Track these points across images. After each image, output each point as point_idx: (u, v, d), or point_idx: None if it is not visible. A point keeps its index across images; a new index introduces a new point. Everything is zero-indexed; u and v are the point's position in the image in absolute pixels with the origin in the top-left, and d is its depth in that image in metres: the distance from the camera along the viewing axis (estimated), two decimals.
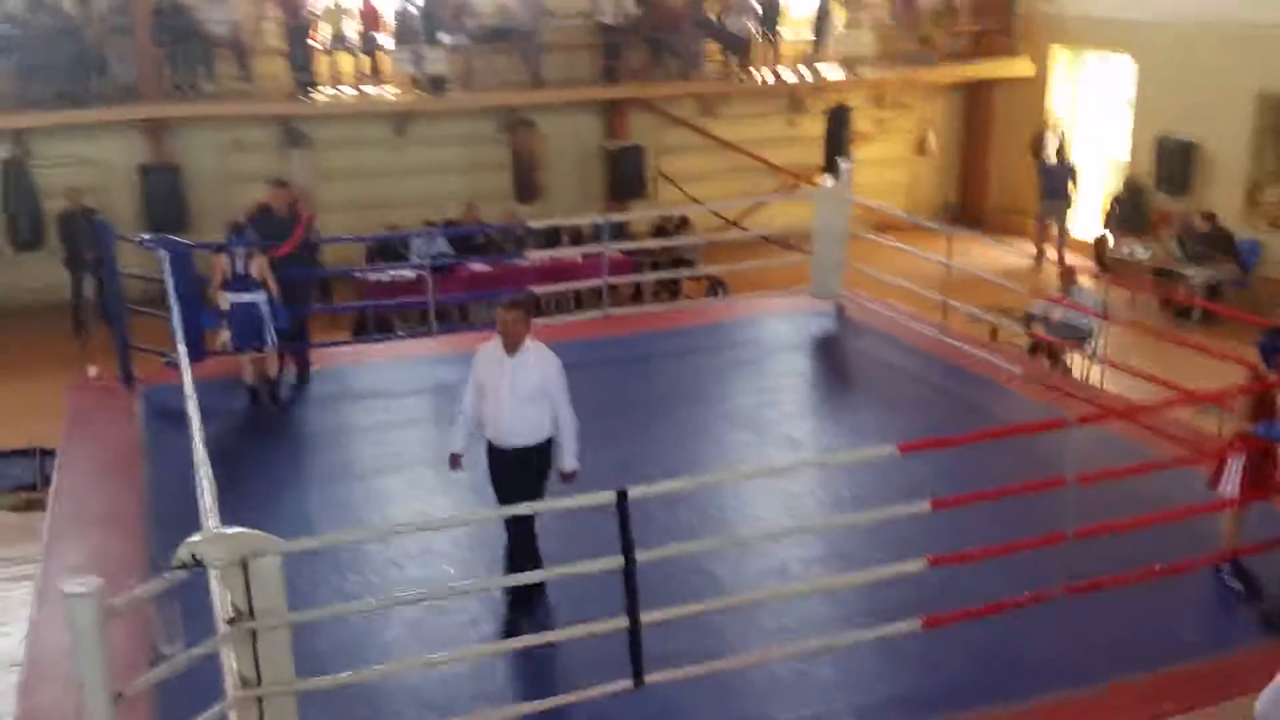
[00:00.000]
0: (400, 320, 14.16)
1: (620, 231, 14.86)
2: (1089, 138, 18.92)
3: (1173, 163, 16.71)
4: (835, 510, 7.57)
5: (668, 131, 18.86)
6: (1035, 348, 11.43)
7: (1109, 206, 17.76)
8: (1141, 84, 17.55)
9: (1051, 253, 17.19)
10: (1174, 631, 6.20)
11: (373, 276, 14.21)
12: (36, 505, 9.02)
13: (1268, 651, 5.77)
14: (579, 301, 14.46)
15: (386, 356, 10.89)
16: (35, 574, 7.06)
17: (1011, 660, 5.93)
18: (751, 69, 18.18)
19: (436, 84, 16.42)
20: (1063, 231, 17.67)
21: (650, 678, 5.13)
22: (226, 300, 9.12)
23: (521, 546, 6.16)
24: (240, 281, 9.09)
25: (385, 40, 16.68)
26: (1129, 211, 17.35)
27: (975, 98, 20.51)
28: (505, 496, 6.24)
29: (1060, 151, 17.92)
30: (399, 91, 16.79)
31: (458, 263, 14.16)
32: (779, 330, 11.46)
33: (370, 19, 16.48)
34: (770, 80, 18.28)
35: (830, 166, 16.90)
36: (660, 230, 16.26)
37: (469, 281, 14.26)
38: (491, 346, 6.20)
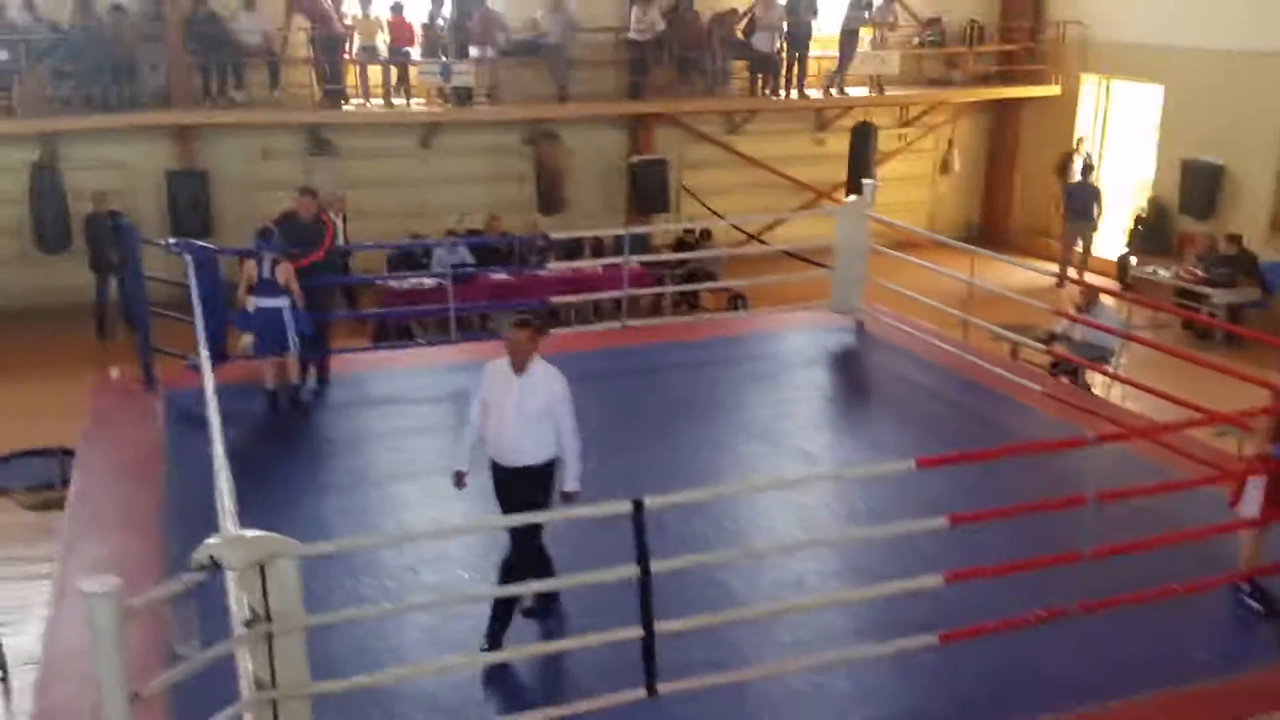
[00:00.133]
0: (420, 328, 14.22)
1: (642, 244, 14.89)
2: (1114, 159, 18.89)
3: (1198, 185, 16.67)
4: (850, 524, 7.56)
5: (692, 146, 18.93)
6: (1056, 366, 11.39)
7: (1133, 227, 17.72)
8: (1168, 107, 17.54)
9: (1074, 272, 17.14)
10: (1189, 651, 6.17)
11: (394, 284, 14.27)
12: (56, 505, 9.07)
13: None
14: (598, 312, 14.49)
15: (406, 363, 10.93)
16: (53, 573, 7.11)
17: (1026, 677, 5.91)
18: (778, 87, 18.21)
19: (463, 96, 16.51)
20: (1086, 251, 17.61)
21: (664, 688, 5.13)
22: (252, 304, 9.19)
23: (525, 562, 6.03)
24: (266, 286, 9.16)
25: (414, 52, 16.77)
26: (1152, 232, 17.32)
27: (1001, 117, 20.51)
28: (513, 508, 6.13)
29: (1086, 172, 17.87)
30: (425, 103, 16.89)
31: (479, 272, 14.21)
32: (798, 344, 11.45)
33: (400, 32, 16.58)
34: (796, 98, 18.31)
35: (854, 184, 16.94)
36: (682, 243, 16.28)
37: (490, 291, 14.30)
38: (499, 364, 6.16)
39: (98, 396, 9.78)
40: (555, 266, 13.94)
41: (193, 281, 8.95)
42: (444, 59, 16.24)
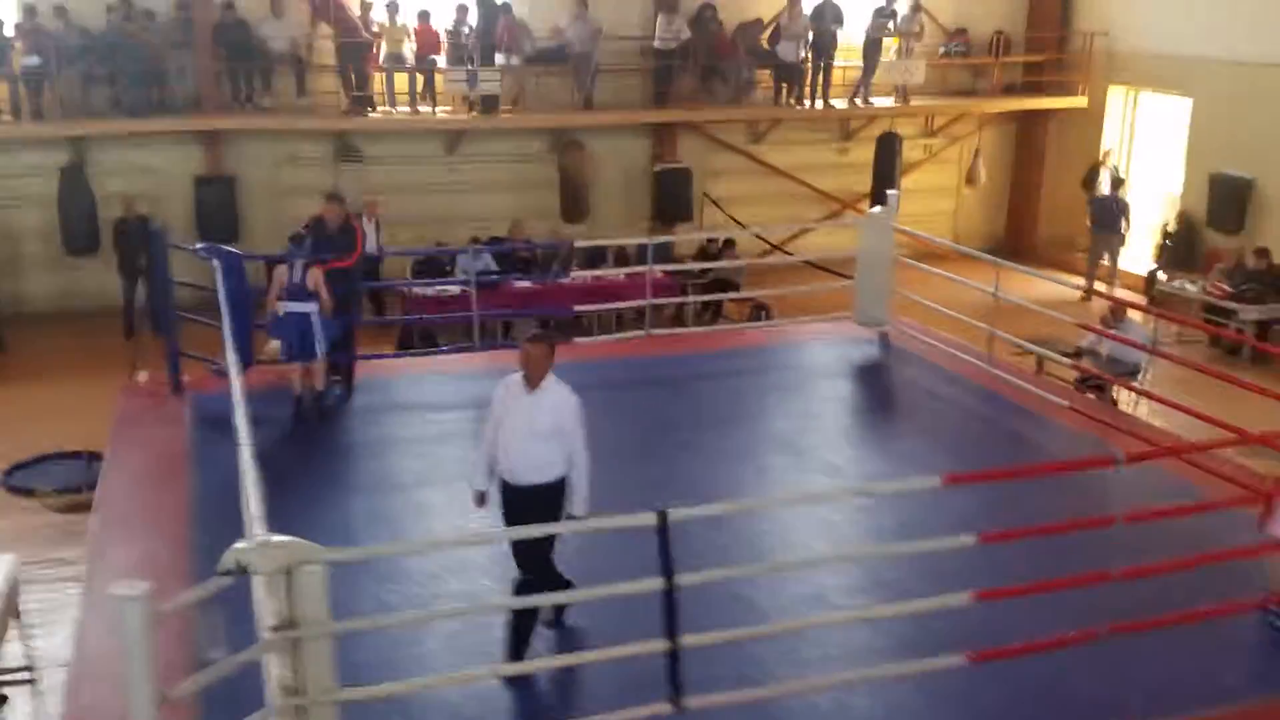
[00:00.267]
0: (444, 334, 14.26)
1: (665, 253, 14.90)
2: (1141, 172, 18.80)
3: (1226, 199, 16.56)
4: (875, 539, 7.53)
5: (716, 155, 18.93)
6: (1083, 381, 11.34)
7: (1160, 241, 17.63)
8: (1196, 119, 17.44)
9: (1100, 286, 17.05)
10: (1218, 673, 6.11)
11: (418, 290, 14.32)
12: (84, 508, 9.13)
13: None
14: (620, 321, 14.52)
15: (430, 369, 10.97)
16: (81, 575, 7.16)
17: (1053, 699, 5.87)
18: (802, 97, 18.20)
19: (488, 104, 16.56)
20: (1114, 265, 17.54)
21: (688, 702, 5.11)
22: (281, 309, 9.24)
23: (536, 585, 5.94)
24: (296, 291, 9.20)
25: (440, 60, 16.82)
26: (1180, 247, 17.22)
27: (1027, 129, 20.44)
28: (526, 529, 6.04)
29: (1116, 185, 17.78)
30: (451, 110, 16.95)
31: (502, 279, 14.25)
32: (822, 356, 11.43)
33: (427, 39, 16.65)
34: (820, 107, 18.30)
35: (878, 194, 16.91)
36: (705, 253, 16.29)
37: (513, 298, 14.34)
38: (512, 380, 6.09)
39: (125, 400, 9.85)
40: (578, 274, 13.96)
41: (220, 286, 9.00)
42: (470, 67, 16.30)
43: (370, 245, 14.20)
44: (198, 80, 15.90)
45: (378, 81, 16.74)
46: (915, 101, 18.96)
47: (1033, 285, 11.52)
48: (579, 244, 14.08)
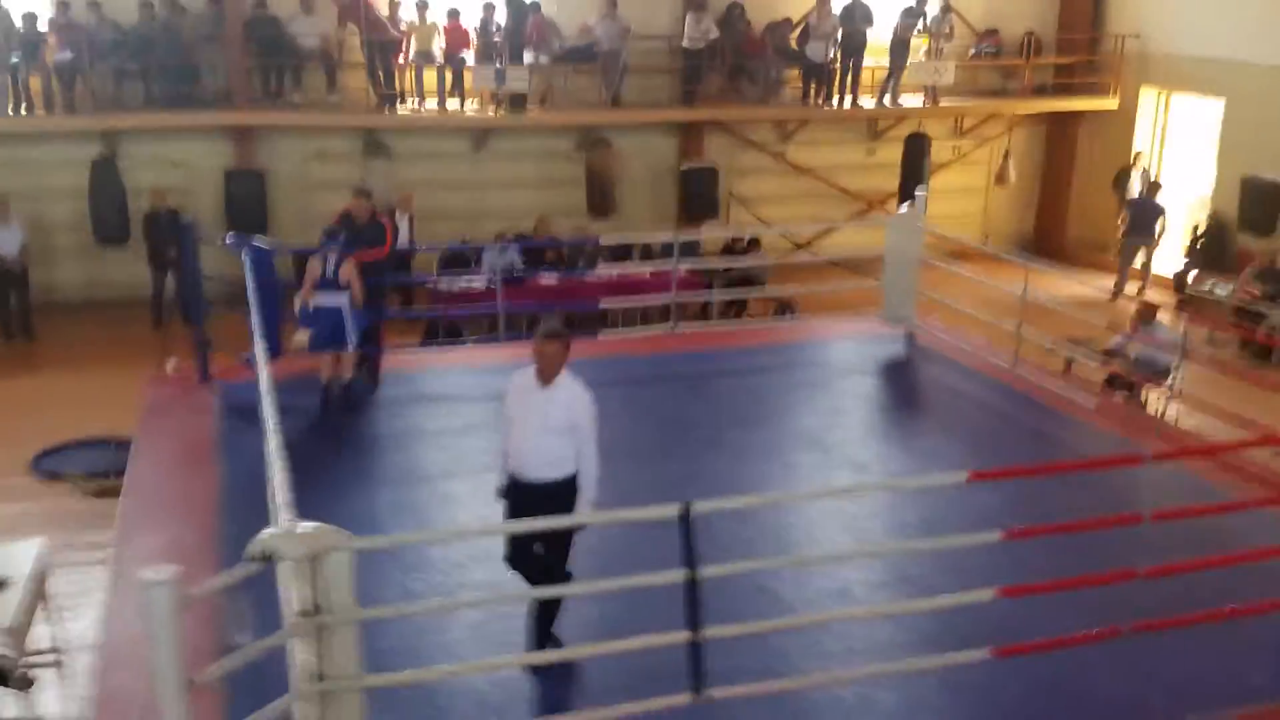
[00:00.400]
0: (469, 328, 14.31)
1: (691, 250, 14.90)
2: (1173, 173, 18.67)
3: (1258, 201, 16.42)
4: (900, 535, 7.51)
5: (743, 154, 18.92)
6: (1111, 382, 11.27)
7: (1190, 243, 17.50)
8: (1228, 121, 17.31)
9: (1130, 288, 16.94)
10: (1244, 674, 6.07)
11: (444, 285, 14.37)
12: (113, 492, 9.20)
13: None
14: (645, 317, 14.53)
15: (455, 363, 11.01)
16: (109, 560, 7.23)
17: (1077, 696, 5.84)
18: (830, 96, 18.17)
19: (516, 101, 16.60)
20: (1146, 267, 17.44)
21: (710, 694, 5.12)
22: (313, 301, 9.31)
23: (550, 579, 5.91)
24: (328, 284, 9.27)
25: (469, 57, 16.88)
26: (1211, 249, 17.09)
27: (1057, 130, 20.33)
28: (524, 537, 5.94)
29: (1152, 190, 17.66)
30: (479, 107, 17.01)
31: (528, 274, 14.29)
32: (848, 353, 11.40)
33: (456, 37, 16.71)
34: (849, 107, 18.26)
35: (906, 194, 16.85)
36: (730, 250, 16.27)
37: (538, 293, 14.37)
38: (524, 375, 6.00)
39: (154, 389, 9.94)
40: (604, 270, 13.97)
41: (249, 278, 9.06)
42: (498, 64, 16.34)
43: (403, 240, 14.30)
44: (229, 75, 16.01)
45: (407, 78, 16.82)
46: (945, 102, 18.88)
47: (1062, 286, 11.45)
48: (604, 240, 14.08)
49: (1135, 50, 18.83)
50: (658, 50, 17.94)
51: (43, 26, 15.35)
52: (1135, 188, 18.24)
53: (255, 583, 4.62)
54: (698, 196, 17.72)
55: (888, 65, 18.32)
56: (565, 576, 6.01)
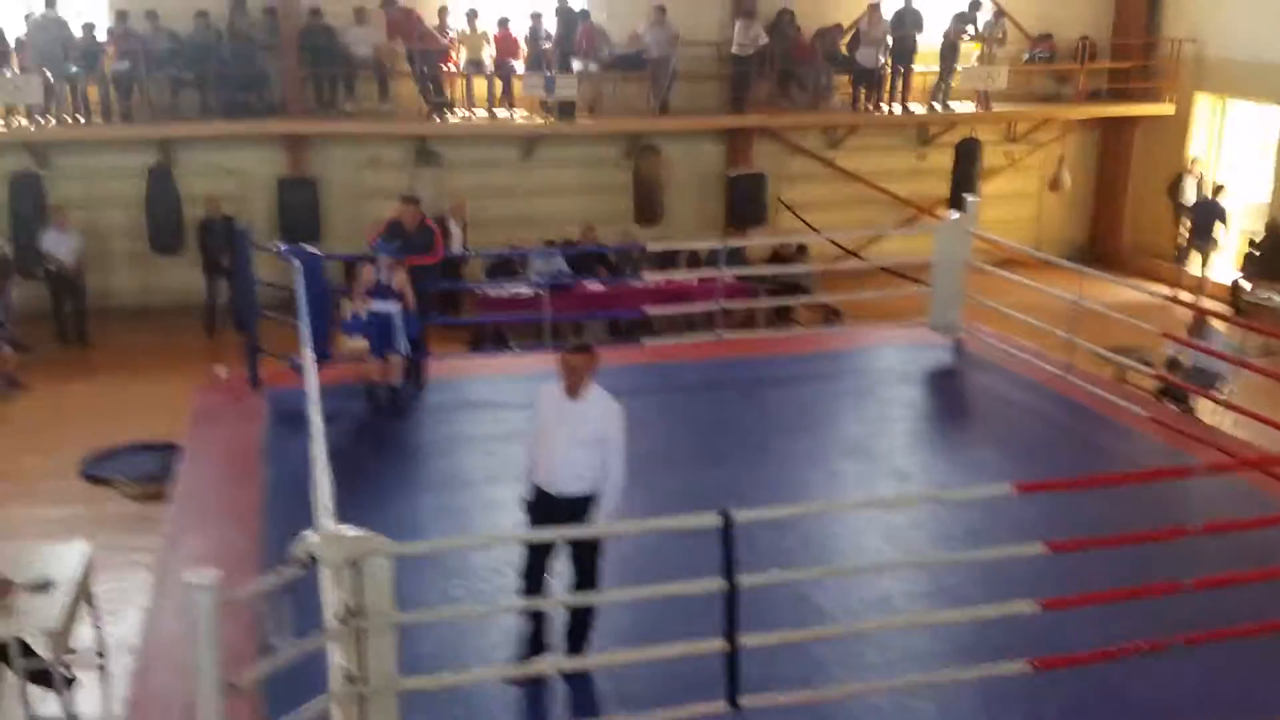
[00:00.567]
0: (516, 335, 14.37)
1: (737, 257, 14.87)
2: (1229, 181, 18.37)
3: None
4: (943, 545, 7.42)
5: (791, 160, 18.86)
6: (1164, 391, 11.09)
7: (1247, 251, 17.21)
8: None
9: (1185, 295, 16.69)
10: None
11: (492, 292, 14.46)
12: (160, 497, 9.35)
13: None
14: (691, 324, 14.51)
15: (501, 370, 11.05)
16: (154, 563, 7.33)
17: (1119, 709, 5.74)
18: (881, 102, 18.07)
19: (565, 109, 16.66)
20: (1205, 273, 17.20)
21: (746, 701, 5.09)
22: (365, 309, 9.40)
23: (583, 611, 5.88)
24: (380, 291, 9.35)
25: (518, 66, 16.98)
26: (1268, 257, 16.78)
27: (1112, 136, 20.06)
28: (547, 551, 5.84)
29: (1216, 191, 17.39)
30: (528, 115, 17.09)
31: (575, 281, 14.33)
32: (895, 361, 11.30)
33: (506, 45, 16.82)
34: (899, 113, 18.15)
35: (957, 200, 16.70)
36: (777, 257, 16.21)
37: (584, 300, 14.41)
38: (551, 387, 5.90)
39: (205, 394, 10.07)
40: (650, 277, 13.97)
41: (300, 285, 9.16)
42: (548, 73, 16.41)
43: (455, 246, 14.43)
44: (283, 85, 16.21)
45: (458, 87, 16.94)
46: (997, 108, 18.71)
47: (1116, 293, 11.27)
48: (651, 247, 14.08)
49: (1191, 55, 18.55)
50: (706, 57, 17.94)
51: (101, 36, 15.64)
52: (1190, 194, 17.98)
53: (297, 586, 4.67)
54: (745, 203, 17.68)
55: (938, 70, 18.17)
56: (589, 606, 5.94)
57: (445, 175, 16.82)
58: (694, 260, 15.53)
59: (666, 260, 15.42)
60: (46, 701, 6.81)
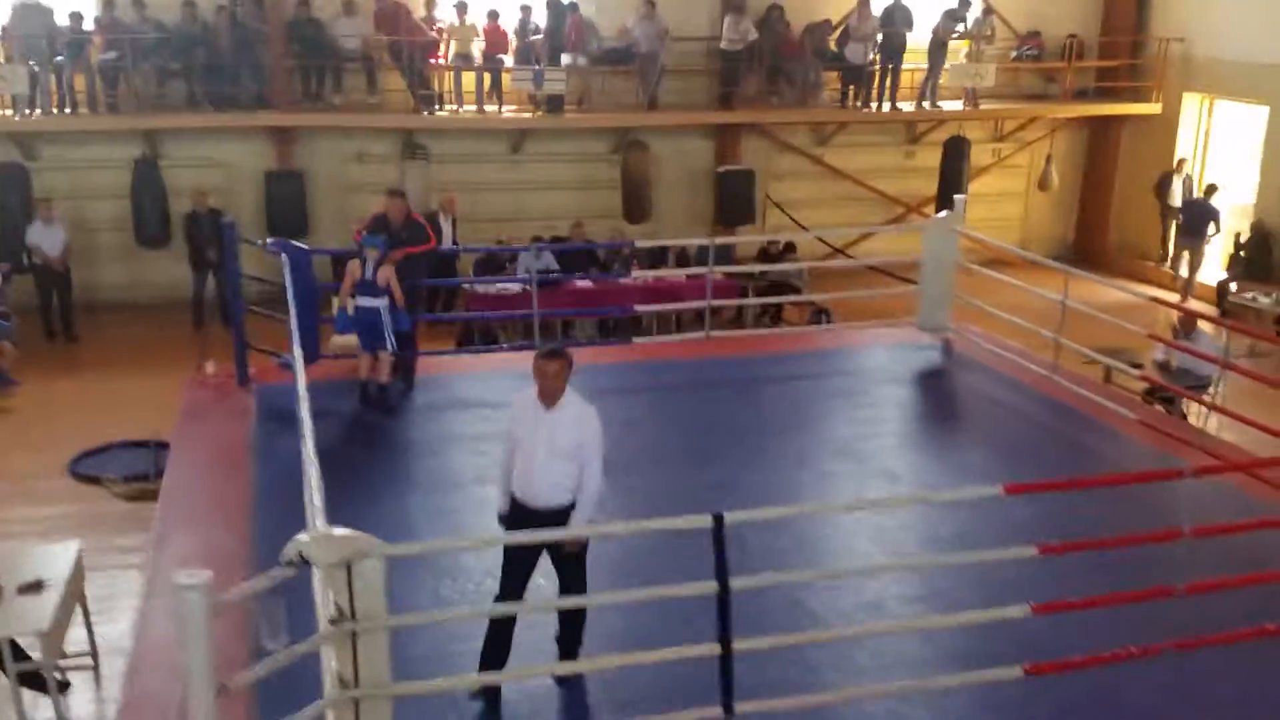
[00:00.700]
0: (505, 332, 14.36)
1: (726, 255, 14.87)
2: (1216, 180, 18.45)
3: None
4: (932, 547, 7.44)
5: (780, 157, 18.86)
6: (1151, 392, 11.14)
7: (1233, 252, 17.30)
8: (1273, 128, 17.07)
9: (1171, 296, 16.77)
10: None
11: (479, 288, 14.43)
12: (149, 496, 9.30)
13: None
14: (680, 322, 14.52)
15: (489, 367, 11.03)
16: (144, 564, 7.29)
17: (1111, 715, 5.76)
18: (869, 99, 18.07)
19: (554, 103, 16.63)
20: (1193, 273, 17.29)
21: (740, 707, 5.09)
22: (351, 305, 9.38)
23: (574, 620, 5.86)
24: (366, 287, 9.33)
25: (507, 59, 16.92)
26: (1254, 258, 16.87)
27: (1099, 135, 20.12)
28: (527, 569, 5.71)
29: (1208, 192, 17.47)
30: (517, 109, 17.04)
31: (563, 278, 14.31)
32: (883, 361, 11.33)
33: (495, 38, 16.77)
34: (887, 110, 18.16)
35: (945, 199, 16.74)
36: (766, 255, 16.23)
37: (573, 297, 14.40)
38: (526, 396, 5.74)
39: (192, 391, 10.02)
40: (639, 274, 13.97)
41: (288, 280, 9.12)
42: (537, 66, 16.37)
43: (446, 242, 14.39)
44: (270, 76, 16.12)
45: (446, 80, 16.88)
46: (985, 105, 18.74)
47: (1103, 293, 11.31)
48: (640, 244, 14.08)
49: (1179, 55, 18.61)
50: (695, 52, 17.92)
51: (88, 26, 15.52)
52: (1178, 194, 18.07)
53: (288, 587, 4.65)
54: (734, 200, 17.67)
55: (925, 68, 18.19)
56: (580, 610, 5.91)
57: (433, 169, 16.78)
58: (683, 258, 15.53)
59: (656, 257, 15.42)
60: (39, 705, 6.77)
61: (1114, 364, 10.64)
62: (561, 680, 5.92)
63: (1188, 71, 18.56)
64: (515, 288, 14.07)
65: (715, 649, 5.04)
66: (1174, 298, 16.49)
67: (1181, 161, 18.48)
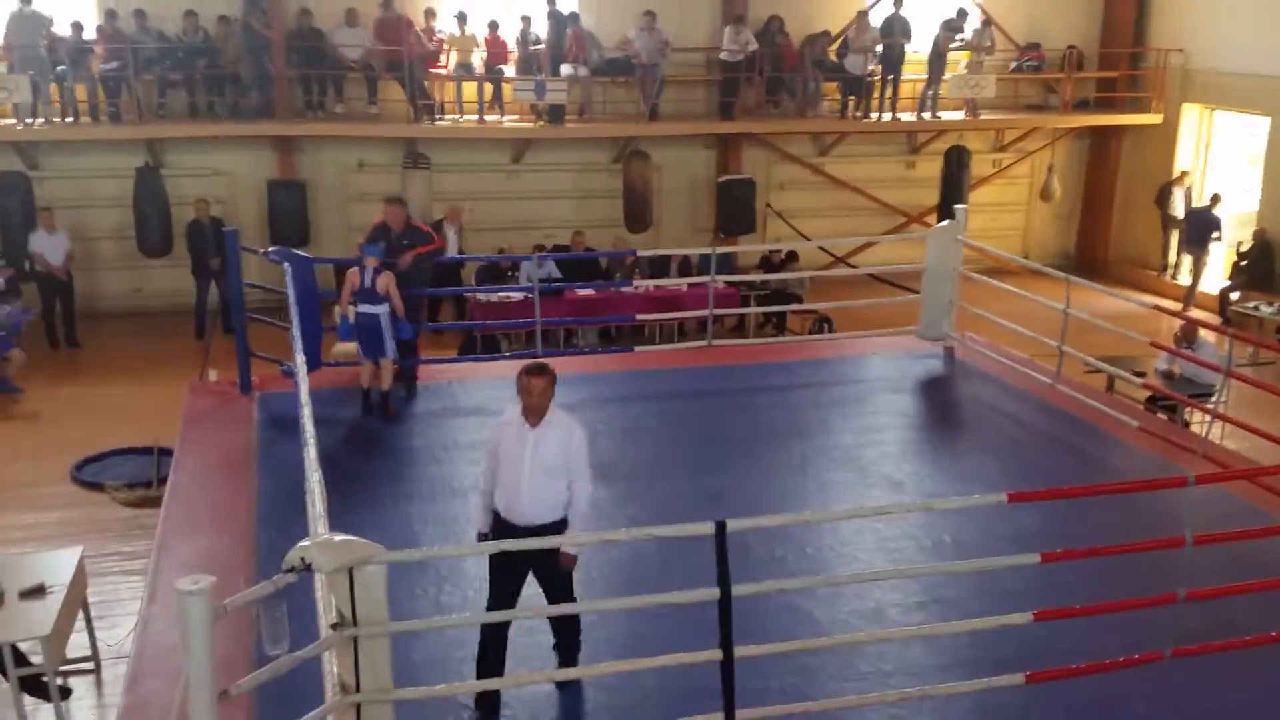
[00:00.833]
0: (506, 340, 14.38)
1: (728, 264, 14.89)
2: (1217, 190, 18.48)
3: None
4: (935, 555, 7.43)
5: (780, 167, 18.90)
6: (1153, 400, 11.14)
7: (1235, 261, 17.32)
8: (1274, 139, 17.10)
9: (1173, 305, 16.79)
10: None
11: (481, 297, 14.46)
12: (151, 502, 9.31)
13: None
14: (682, 331, 14.54)
15: (492, 375, 11.02)
16: (146, 569, 7.29)
17: None
18: (870, 109, 18.11)
19: (555, 113, 16.66)
20: (1195, 281, 17.31)
21: (742, 714, 5.08)
22: (352, 313, 9.39)
23: (569, 629, 5.86)
24: (366, 295, 9.34)
25: (508, 70, 16.97)
26: (1255, 267, 16.88)
27: (1099, 145, 20.18)
28: (515, 587, 5.66)
29: (1212, 201, 17.50)
30: (518, 119, 17.08)
31: (565, 287, 14.34)
32: (885, 369, 11.33)
33: (496, 49, 16.81)
34: (887, 120, 18.19)
35: (945, 209, 16.76)
36: (767, 264, 16.25)
37: (574, 305, 14.42)
38: (511, 418, 5.67)
39: (195, 398, 10.02)
40: (640, 284, 13.99)
41: (290, 288, 9.13)
42: (538, 76, 16.41)
43: (451, 252, 14.44)
44: (272, 86, 16.16)
45: (447, 90, 16.92)
46: (985, 116, 18.78)
47: (1104, 302, 11.31)
48: (641, 253, 14.10)
49: (1179, 66, 18.65)
50: (696, 63, 17.97)
51: (90, 35, 15.56)
52: (1179, 205, 18.10)
53: (290, 593, 4.64)
54: (735, 210, 17.70)
55: (925, 78, 18.23)
56: (575, 622, 5.89)
57: (434, 179, 16.81)
58: (685, 267, 15.56)
59: (657, 267, 15.45)
60: (40, 711, 6.76)
61: (1117, 372, 10.63)
62: (562, 686, 5.92)
63: (1187, 82, 18.61)
64: (517, 296, 14.09)
65: (717, 655, 5.02)
66: (1176, 307, 16.54)
67: (1184, 173, 18.52)
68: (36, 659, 6.50)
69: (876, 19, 17.85)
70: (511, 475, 5.59)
